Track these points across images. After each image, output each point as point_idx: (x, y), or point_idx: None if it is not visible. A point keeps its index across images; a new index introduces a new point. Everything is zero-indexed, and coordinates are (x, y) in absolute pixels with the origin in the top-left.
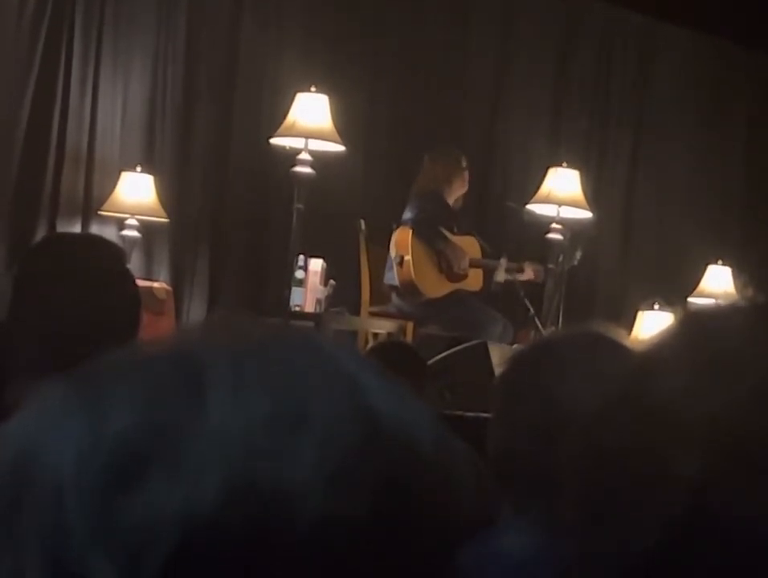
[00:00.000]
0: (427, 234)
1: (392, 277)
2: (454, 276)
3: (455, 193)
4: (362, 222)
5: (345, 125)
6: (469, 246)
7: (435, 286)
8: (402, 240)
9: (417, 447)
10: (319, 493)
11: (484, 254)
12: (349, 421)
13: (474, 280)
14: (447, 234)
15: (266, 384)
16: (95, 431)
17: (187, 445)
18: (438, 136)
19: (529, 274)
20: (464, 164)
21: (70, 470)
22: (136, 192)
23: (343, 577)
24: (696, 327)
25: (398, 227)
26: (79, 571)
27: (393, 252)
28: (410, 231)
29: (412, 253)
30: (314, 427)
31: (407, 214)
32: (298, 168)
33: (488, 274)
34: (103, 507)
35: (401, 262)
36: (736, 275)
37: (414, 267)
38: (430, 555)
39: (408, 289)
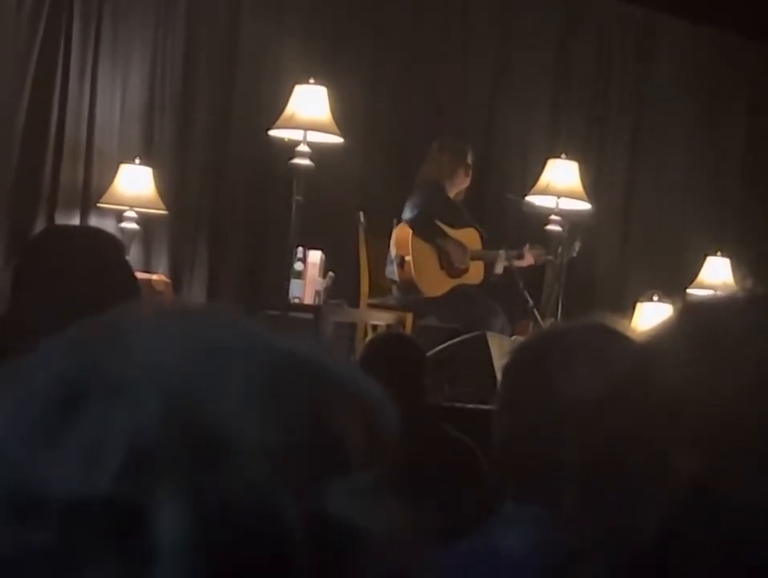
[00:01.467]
0: (426, 232)
1: (392, 271)
2: (455, 271)
3: (457, 186)
4: (361, 214)
5: (343, 117)
6: (470, 238)
7: (436, 285)
8: (402, 239)
9: (335, 375)
10: (250, 415)
11: (483, 243)
12: (267, 352)
13: (474, 273)
14: (447, 229)
15: (186, 333)
16: (28, 385)
17: (120, 377)
18: (437, 128)
19: (529, 259)
20: (470, 160)
21: (5, 421)
22: (135, 184)
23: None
24: (696, 319)
25: (398, 223)
26: (32, 493)
27: (393, 251)
28: (411, 230)
29: (412, 253)
30: (235, 356)
31: (407, 213)
32: (297, 160)
33: (489, 265)
34: (47, 439)
35: (401, 263)
36: (735, 266)
37: (414, 268)
38: (356, 478)
39: (409, 288)
